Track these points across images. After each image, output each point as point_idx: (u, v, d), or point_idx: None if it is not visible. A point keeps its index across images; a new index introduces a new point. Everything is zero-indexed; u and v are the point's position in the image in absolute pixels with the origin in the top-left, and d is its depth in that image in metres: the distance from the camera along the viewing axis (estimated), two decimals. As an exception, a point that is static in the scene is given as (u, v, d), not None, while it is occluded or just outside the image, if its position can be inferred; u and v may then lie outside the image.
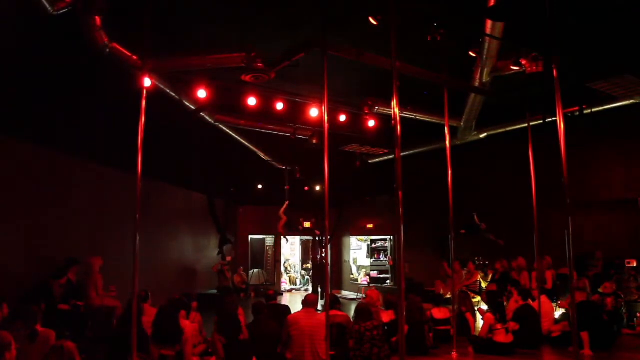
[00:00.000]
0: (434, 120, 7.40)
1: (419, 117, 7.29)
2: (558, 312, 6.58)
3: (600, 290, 6.59)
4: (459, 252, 6.10)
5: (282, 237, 9.09)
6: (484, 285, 8.20)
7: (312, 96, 6.89)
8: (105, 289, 5.83)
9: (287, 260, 14.44)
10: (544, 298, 6.09)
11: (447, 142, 5.29)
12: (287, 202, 8.99)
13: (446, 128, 5.37)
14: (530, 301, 5.82)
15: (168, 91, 6.03)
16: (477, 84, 6.03)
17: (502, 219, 8.76)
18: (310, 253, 14.33)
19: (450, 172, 5.07)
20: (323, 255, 12.74)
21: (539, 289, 6.01)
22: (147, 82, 3.99)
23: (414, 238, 9.70)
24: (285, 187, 9.00)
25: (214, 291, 10.65)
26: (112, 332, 4.18)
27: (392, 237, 13.84)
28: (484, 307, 7.05)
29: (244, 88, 6.43)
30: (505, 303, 6.30)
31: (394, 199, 2.90)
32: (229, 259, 11.30)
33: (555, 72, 3.84)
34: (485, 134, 8.22)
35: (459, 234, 5.87)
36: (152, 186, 8.29)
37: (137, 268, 3.34)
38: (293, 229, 9.49)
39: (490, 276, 8.22)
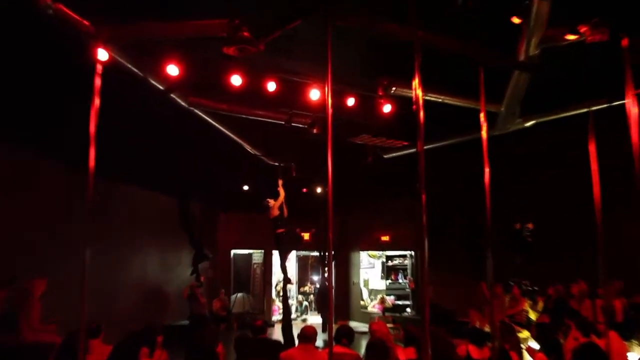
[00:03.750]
0: (466, 105, 7.33)
1: (448, 100, 7.23)
2: (633, 354, 6.47)
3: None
4: (502, 273, 5.99)
5: (277, 239, 8.94)
6: (532, 316, 8.11)
7: (312, 74, 6.85)
8: (43, 321, 5.77)
9: (280, 281, 14.38)
10: (612, 334, 5.96)
11: (484, 133, 5.21)
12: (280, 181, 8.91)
13: (482, 114, 5.29)
14: (594, 338, 5.73)
15: (130, 67, 5.98)
16: (521, 58, 5.95)
17: (555, 230, 8.69)
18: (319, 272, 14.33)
19: (487, 170, 5.00)
20: (325, 275, 12.71)
21: (605, 323, 5.91)
22: (103, 54, 3.95)
23: (441, 253, 9.62)
24: (279, 182, 8.95)
25: (187, 322, 10.63)
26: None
27: (413, 253, 13.79)
28: (534, 344, 6.96)
29: (226, 64, 6.38)
30: (561, 340, 6.21)
31: (415, 204, 2.84)
32: (202, 279, 11.28)
33: (624, 42, 3.77)
34: (532, 122, 8.12)
35: (503, 252, 5.80)
36: (107, 187, 8.27)
37: (85, 292, 3.30)
38: (290, 241, 9.45)
39: (541, 304, 8.14)
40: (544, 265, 8.70)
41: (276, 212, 8.77)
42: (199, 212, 12.65)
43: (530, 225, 8.73)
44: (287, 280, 9.56)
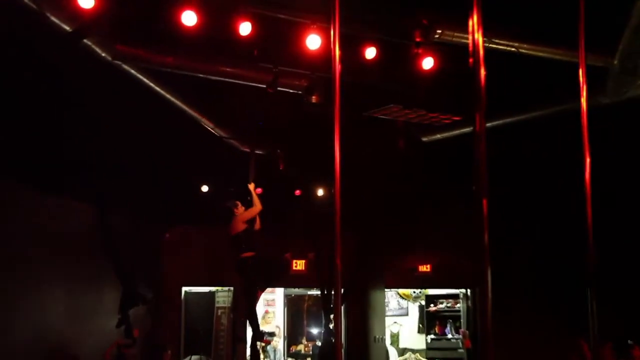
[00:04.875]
0: (555, 57, 7.35)
1: (525, 49, 7.25)
2: None
3: None
4: (613, 324, 5.87)
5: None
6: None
7: (309, 9, 6.87)
8: None
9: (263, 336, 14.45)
10: None
11: (584, 100, 5.23)
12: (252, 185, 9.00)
13: (581, 71, 5.31)
14: None
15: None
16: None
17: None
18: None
19: (588, 160, 5.02)
20: (331, 326, 12.71)
21: None
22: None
23: (514, 293, 9.60)
24: (250, 187, 8.98)
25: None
26: None
27: (468, 291, 13.79)
28: None
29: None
30: None
31: (471, 215, 2.87)
32: (136, 334, 11.30)
33: None
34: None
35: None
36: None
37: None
38: (265, 272, 9.45)
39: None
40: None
41: (241, 227, 8.76)
42: (131, 228, 12.66)
43: None
44: (257, 336, 9.51)
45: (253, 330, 9.39)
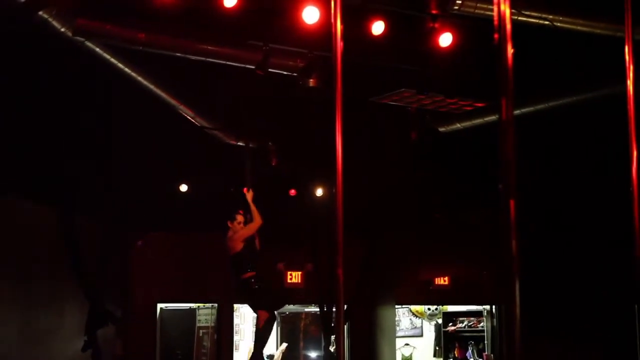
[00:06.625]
0: (596, 32, 7.34)
1: (560, 23, 7.24)
2: None
3: None
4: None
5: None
6: None
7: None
8: None
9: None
10: None
11: (630, 83, 5.24)
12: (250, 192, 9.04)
13: (627, 48, 5.32)
14: None
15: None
16: None
17: None
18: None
19: (635, 153, 5.03)
20: (332, 349, 12.69)
21: None
22: None
23: (544, 309, 9.55)
24: (245, 191, 9.00)
25: None
26: None
27: (492, 308, 13.77)
28: None
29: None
30: None
31: (496, 219, 2.86)
32: None
33: None
34: None
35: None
36: None
37: None
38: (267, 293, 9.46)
39: None
40: None
41: (239, 246, 8.78)
42: (97, 234, 12.65)
43: None
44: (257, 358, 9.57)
45: (255, 352, 9.44)
